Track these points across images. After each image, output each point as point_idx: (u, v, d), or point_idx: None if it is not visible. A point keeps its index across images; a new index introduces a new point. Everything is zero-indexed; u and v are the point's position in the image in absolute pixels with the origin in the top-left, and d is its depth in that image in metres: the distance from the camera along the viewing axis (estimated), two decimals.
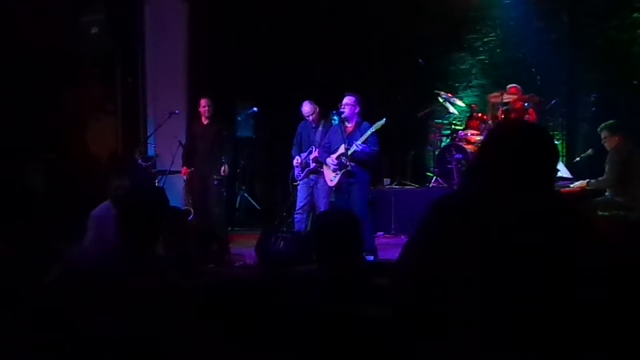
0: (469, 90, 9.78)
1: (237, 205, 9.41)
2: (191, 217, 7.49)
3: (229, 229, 8.26)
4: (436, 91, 8.84)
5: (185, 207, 7.63)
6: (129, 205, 2.58)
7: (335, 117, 6.44)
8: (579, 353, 1.75)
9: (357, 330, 2.20)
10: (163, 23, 9.02)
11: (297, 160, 7.02)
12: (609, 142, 6.28)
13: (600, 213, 5.99)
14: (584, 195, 6.35)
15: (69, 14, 8.19)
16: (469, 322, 1.79)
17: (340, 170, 6.28)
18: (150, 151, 8.61)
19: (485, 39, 9.65)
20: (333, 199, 6.71)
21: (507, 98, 8.09)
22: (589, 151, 7.20)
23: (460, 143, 8.32)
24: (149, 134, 8.70)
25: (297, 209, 6.99)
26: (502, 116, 8.05)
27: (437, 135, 9.11)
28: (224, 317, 2.79)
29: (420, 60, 9.09)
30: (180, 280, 2.49)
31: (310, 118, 7.03)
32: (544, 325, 1.74)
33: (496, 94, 8.29)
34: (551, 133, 7.95)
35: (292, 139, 7.25)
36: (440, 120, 9.22)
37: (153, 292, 2.33)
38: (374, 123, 6.25)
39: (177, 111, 8.00)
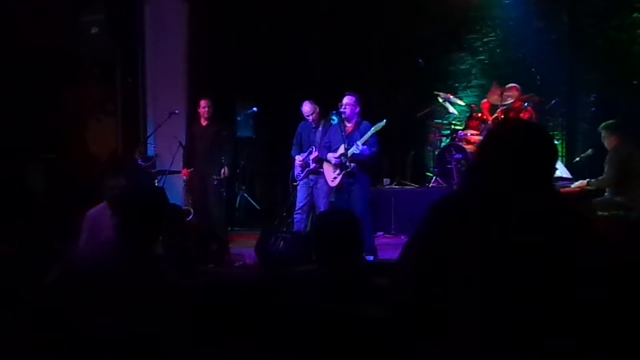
0: (468, 90, 9.79)
1: (237, 205, 9.41)
2: (191, 217, 7.49)
3: (229, 229, 8.25)
4: (435, 92, 8.84)
5: (185, 207, 7.63)
6: (129, 205, 2.58)
7: (334, 117, 6.43)
8: (579, 353, 1.75)
9: (357, 330, 2.20)
10: (163, 23, 9.02)
11: (299, 159, 7.01)
12: (608, 142, 6.28)
13: (600, 213, 5.99)
14: (584, 195, 6.35)
15: (69, 14, 8.19)
16: (469, 322, 1.79)
17: (341, 171, 6.28)
18: (150, 151, 8.61)
19: (485, 39, 9.65)
20: (333, 199, 6.71)
21: (506, 98, 8.10)
22: (589, 151, 7.20)
23: (460, 143, 8.32)
24: (149, 134, 8.70)
25: (296, 209, 6.99)
26: (502, 116, 8.05)
27: (437, 135, 9.10)
28: (224, 317, 2.79)
29: (420, 60, 9.09)
30: (180, 280, 2.49)
31: (310, 118, 7.03)
32: (544, 325, 1.74)
33: (495, 89, 8.27)
34: (551, 133, 7.95)
35: (292, 139, 7.25)
36: (440, 120, 9.22)
37: (153, 292, 2.33)
38: (373, 123, 6.25)
39: (177, 111, 8.00)
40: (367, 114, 6.54)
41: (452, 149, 8.32)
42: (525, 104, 8.02)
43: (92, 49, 8.71)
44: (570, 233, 1.81)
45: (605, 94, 8.30)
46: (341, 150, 6.26)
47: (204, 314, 2.46)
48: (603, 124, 6.39)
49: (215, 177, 7.44)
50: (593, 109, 8.33)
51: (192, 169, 7.70)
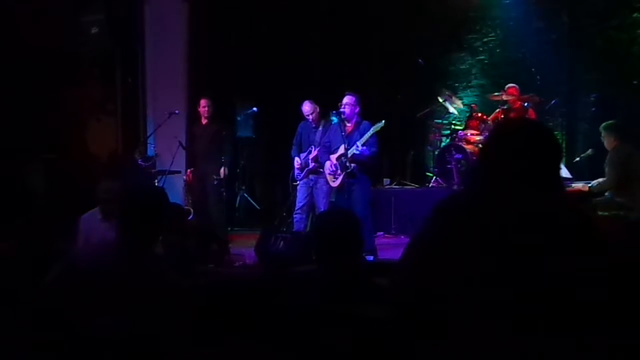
0: (468, 90, 9.79)
1: (237, 205, 9.41)
2: (191, 217, 7.49)
3: (229, 229, 8.25)
4: (444, 89, 8.84)
5: (186, 207, 7.63)
6: (129, 205, 2.58)
7: (334, 117, 6.43)
8: (579, 353, 1.75)
9: (357, 330, 2.20)
10: (163, 23, 9.02)
11: (297, 162, 7.02)
12: (608, 142, 6.28)
13: (600, 213, 5.99)
14: (584, 195, 6.35)
15: (69, 14, 8.19)
16: (469, 322, 1.79)
17: (342, 171, 6.28)
18: (150, 151, 8.61)
19: (485, 39, 9.66)
20: (333, 199, 6.71)
21: (506, 98, 8.10)
22: (589, 151, 7.21)
23: (460, 143, 8.32)
24: (148, 134, 8.70)
25: (296, 209, 7.00)
26: (502, 116, 8.05)
27: (437, 135, 9.10)
28: (224, 317, 2.79)
29: (420, 60, 9.09)
30: (180, 280, 2.49)
31: (310, 118, 7.04)
32: (544, 326, 1.74)
33: (496, 94, 8.29)
34: None
35: (292, 139, 7.25)
36: (440, 120, 9.22)
37: (153, 292, 2.33)
38: (373, 123, 6.25)
39: (177, 111, 7.99)
40: (367, 114, 6.54)
41: (452, 149, 8.32)
42: (525, 104, 8.02)
43: (92, 49, 8.71)
44: (571, 233, 1.81)
45: (605, 94, 8.30)
46: (341, 150, 6.26)
47: (204, 314, 2.46)
48: (604, 123, 6.39)
49: (215, 177, 7.44)
50: (593, 109, 8.33)
51: (192, 169, 7.71)
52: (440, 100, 8.79)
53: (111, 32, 8.74)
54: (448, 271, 1.85)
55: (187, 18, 9.16)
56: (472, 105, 8.95)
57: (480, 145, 8.06)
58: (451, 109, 8.86)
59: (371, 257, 6.04)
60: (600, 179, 6.32)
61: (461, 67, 9.87)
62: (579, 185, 6.60)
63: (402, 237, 7.86)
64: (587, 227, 1.85)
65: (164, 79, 9.02)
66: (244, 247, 6.81)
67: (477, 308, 1.79)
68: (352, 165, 6.17)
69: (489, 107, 8.73)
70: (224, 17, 9.49)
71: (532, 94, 8.13)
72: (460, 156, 8.16)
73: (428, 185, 8.81)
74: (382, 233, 8.09)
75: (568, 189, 6.60)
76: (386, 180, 9.25)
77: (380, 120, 6.22)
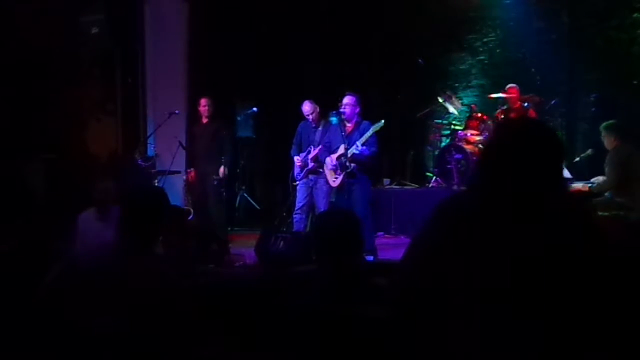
0: (468, 90, 9.79)
1: (237, 205, 9.41)
2: (191, 217, 7.49)
3: (229, 229, 8.25)
4: (447, 91, 8.84)
5: (186, 207, 7.63)
6: (129, 205, 2.58)
7: (334, 117, 6.43)
8: (580, 353, 1.75)
9: (357, 330, 2.20)
10: (163, 23, 9.02)
11: (298, 160, 7.01)
12: (608, 142, 6.28)
13: (600, 213, 5.99)
14: (584, 195, 6.35)
15: (69, 14, 8.19)
16: (469, 322, 1.79)
17: (342, 171, 6.28)
18: (150, 151, 8.61)
19: (485, 39, 9.66)
20: (333, 199, 6.71)
21: (506, 98, 8.11)
22: (589, 151, 7.20)
23: (460, 143, 8.32)
24: (148, 134, 8.70)
25: (296, 209, 7.00)
26: (502, 116, 8.05)
27: (437, 135, 9.11)
28: (224, 317, 2.79)
29: (420, 60, 9.09)
30: (180, 280, 2.48)
31: (310, 117, 7.04)
32: (544, 326, 1.74)
33: (494, 95, 8.30)
34: None
35: (292, 139, 7.25)
36: (440, 121, 9.22)
37: (153, 292, 2.33)
38: (373, 123, 6.25)
39: (177, 111, 8.00)
40: (367, 114, 6.54)
41: (452, 149, 8.33)
42: (525, 104, 8.02)
43: (92, 49, 8.71)
44: (574, 233, 1.81)
45: (605, 94, 8.30)
46: (341, 150, 6.26)
47: (204, 314, 2.46)
48: (603, 124, 6.40)
49: (214, 176, 7.44)
50: (593, 109, 8.33)
51: (193, 169, 7.71)
52: (440, 100, 8.80)
53: (111, 32, 8.74)
54: (449, 271, 1.84)
55: (187, 18, 9.16)
56: (472, 105, 8.96)
57: (480, 146, 8.07)
58: (451, 109, 8.86)
59: (371, 257, 6.04)
60: (600, 177, 6.32)
61: (461, 67, 9.87)
62: (579, 185, 6.59)
63: (402, 237, 7.86)
64: (591, 226, 1.85)
65: (164, 79, 9.02)
66: (244, 247, 6.81)
67: (476, 308, 1.79)
68: (352, 165, 6.17)
69: (489, 107, 8.73)
70: (224, 17, 9.49)
71: (532, 94, 8.14)
72: (460, 156, 8.16)
73: (428, 186, 8.81)
74: (382, 233, 8.09)
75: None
76: (386, 180, 9.25)
77: (380, 120, 6.22)
